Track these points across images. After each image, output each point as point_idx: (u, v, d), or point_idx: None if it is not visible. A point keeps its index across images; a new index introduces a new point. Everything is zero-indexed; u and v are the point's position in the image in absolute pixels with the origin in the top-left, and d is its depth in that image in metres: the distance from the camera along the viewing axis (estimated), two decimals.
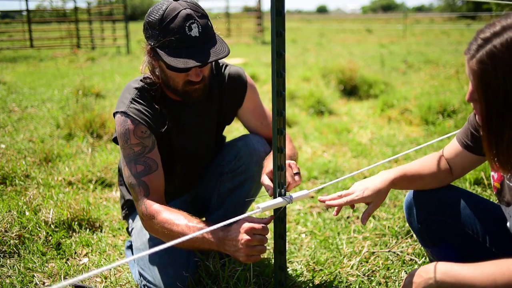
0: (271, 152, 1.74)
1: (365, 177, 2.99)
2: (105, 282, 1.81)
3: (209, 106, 1.78)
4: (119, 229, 2.29)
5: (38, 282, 1.78)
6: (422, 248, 1.96)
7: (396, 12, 64.99)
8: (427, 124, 4.37)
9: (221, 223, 1.15)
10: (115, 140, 1.70)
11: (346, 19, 52.32)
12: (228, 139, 2.03)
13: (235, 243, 1.37)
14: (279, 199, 1.38)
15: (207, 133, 1.82)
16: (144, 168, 1.57)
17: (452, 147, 1.45)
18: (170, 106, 1.70)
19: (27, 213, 2.25)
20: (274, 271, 1.55)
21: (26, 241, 2.05)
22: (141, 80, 1.69)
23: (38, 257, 1.96)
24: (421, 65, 8.83)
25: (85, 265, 1.95)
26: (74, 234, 2.20)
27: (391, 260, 1.95)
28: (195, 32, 1.48)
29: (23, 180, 2.82)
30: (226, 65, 1.84)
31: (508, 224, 1.29)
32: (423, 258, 1.91)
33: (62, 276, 1.84)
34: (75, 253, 2.04)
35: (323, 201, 1.46)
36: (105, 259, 2.00)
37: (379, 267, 1.90)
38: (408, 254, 1.98)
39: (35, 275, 1.83)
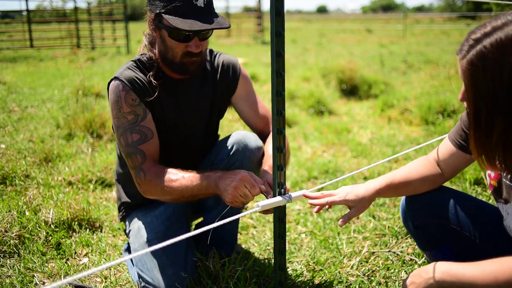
0: (266, 153, 1.76)
1: (365, 177, 3.00)
2: (105, 282, 1.81)
3: (202, 85, 1.81)
4: (119, 229, 2.29)
5: (38, 282, 1.78)
6: None
7: (396, 12, 65.04)
8: (427, 124, 4.37)
9: (219, 222, 1.17)
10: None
11: (346, 19, 52.36)
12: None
13: (228, 182, 1.46)
14: (278, 198, 1.41)
15: (199, 113, 1.83)
16: (140, 136, 1.62)
17: (445, 147, 1.44)
18: (165, 80, 1.73)
19: (27, 213, 2.25)
20: (274, 271, 1.55)
21: (26, 241, 2.05)
22: (139, 56, 1.74)
23: (38, 257, 1.96)
24: (421, 65, 8.83)
25: (85, 265, 1.95)
26: (74, 234, 2.20)
27: (391, 260, 1.96)
28: (200, 2, 1.54)
29: (23, 180, 2.82)
30: (220, 54, 1.89)
31: (504, 222, 1.29)
32: (423, 258, 1.91)
33: (62, 276, 1.84)
34: (75, 253, 2.04)
35: (307, 197, 1.49)
36: (105, 259, 2.00)
37: (379, 267, 1.90)
38: (408, 254, 1.99)
39: (35, 275, 1.83)
